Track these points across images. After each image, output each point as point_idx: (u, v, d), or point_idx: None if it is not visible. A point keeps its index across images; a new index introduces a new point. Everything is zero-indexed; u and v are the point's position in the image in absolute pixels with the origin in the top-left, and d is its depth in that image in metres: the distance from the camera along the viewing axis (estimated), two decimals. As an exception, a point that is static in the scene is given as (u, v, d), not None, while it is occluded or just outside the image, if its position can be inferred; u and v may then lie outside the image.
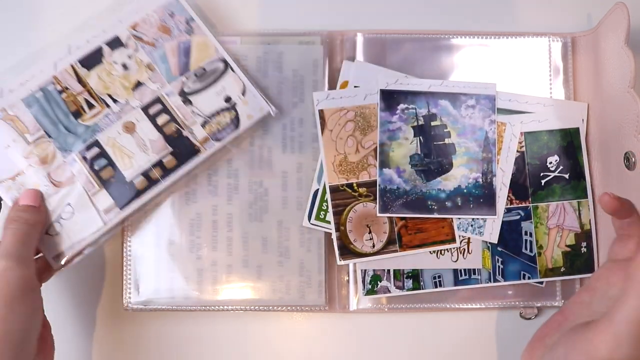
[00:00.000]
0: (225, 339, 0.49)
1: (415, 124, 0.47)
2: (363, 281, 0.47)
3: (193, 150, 0.46)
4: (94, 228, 0.44)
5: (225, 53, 0.46)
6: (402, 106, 0.47)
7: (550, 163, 0.48)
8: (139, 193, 0.45)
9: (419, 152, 0.47)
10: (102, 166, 0.45)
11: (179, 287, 0.47)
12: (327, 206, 0.47)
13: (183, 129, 0.45)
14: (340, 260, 0.47)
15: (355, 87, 0.48)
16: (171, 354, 0.49)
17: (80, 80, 0.46)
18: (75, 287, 0.49)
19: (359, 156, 0.47)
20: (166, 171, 0.45)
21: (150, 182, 0.45)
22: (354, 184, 0.47)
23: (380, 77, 0.47)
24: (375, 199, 0.47)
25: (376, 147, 0.47)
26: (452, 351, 0.50)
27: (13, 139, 0.45)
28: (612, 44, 0.45)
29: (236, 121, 0.46)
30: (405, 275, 0.47)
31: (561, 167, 0.48)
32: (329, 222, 0.47)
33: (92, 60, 0.46)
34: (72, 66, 0.46)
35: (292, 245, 0.48)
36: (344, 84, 0.48)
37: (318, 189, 0.47)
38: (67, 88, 0.45)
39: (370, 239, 0.47)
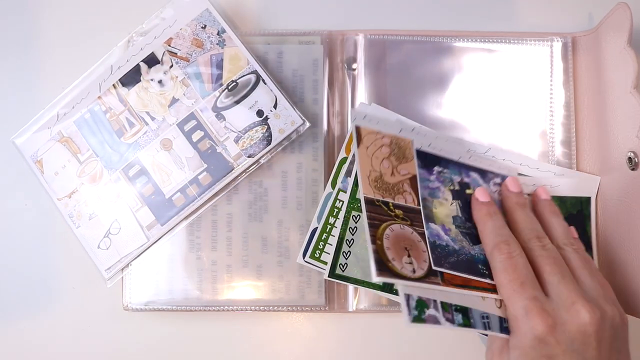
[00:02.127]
0: (225, 339, 0.49)
1: (453, 188, 0.45)
2: (408, 305, 0.39)
3: (227, 167, 0.46)
4: (138, 243, 0.46)
5: (257, 65, 0.47)
6: (437, 168, 0.45)
7: None
8: (177, 209, 0.46)
9: (460, 215, 0.44)
10: (143, 183, 0.46)
11: (179, 287, 0.47)
12: (323, 245, 0.46)
13: (217, 145, 0.46)
14: (376, 276, 0.39)
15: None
16: (171, 354, 0.49)
17: (121, 99, 0.47)
18: (75, 287, 0.49)
19: (394, 179, 0.43)
20: (201, 187, 0.46)
21: (187, 198, 0.46)
22: (390, 204, 0.43)
23: (399, 125, 0.46)
24: (413, 224, 0.42)
25: (412, 177, 0.44)
26: (453, 350, 0.49)
27: (68, 159, 0.47)
28: (614, 44, 0.45)
29: (268, 136, 0.46)
30: (453, 308, 0.41)
31: None
32: (324, 263, 0.46)
33: (131, 78, 0.47)
34: (114, 85, 0.47)
35: (292, 245, 0.48)
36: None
37: (317, 228, 0.46)
38: (110, 108, 0.47)
39: (410, 262, 0.41)
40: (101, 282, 0.46)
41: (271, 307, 0.48)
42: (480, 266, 0.43)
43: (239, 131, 0.46)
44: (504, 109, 0.49)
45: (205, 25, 0.47)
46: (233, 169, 0.46)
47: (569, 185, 0.47)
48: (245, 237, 0.48)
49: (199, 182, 0.46)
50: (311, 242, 0.47)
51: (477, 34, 0.50)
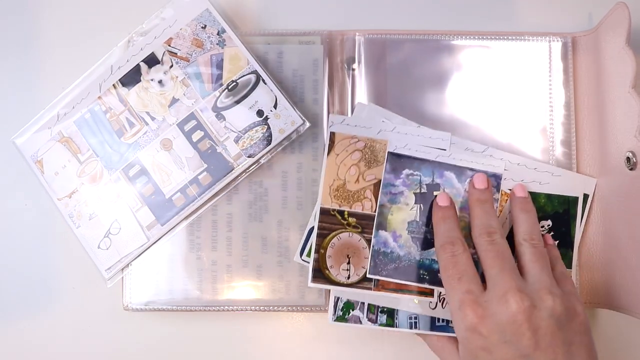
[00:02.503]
0: (225, 339, 0.49)
1: (418, 191, 0.46)
2: (335, 306, 0.46)
3: (227, 167, 0.46)
4: (138, 243, 0.46)
5: (257, 64, 0.47)
6: (407, 171, 0.46)
7: (542, 227, 0.47)
8: (177, 209, 0.46)
9: (418, 220, 0.46)
10: (143, 183, 0.46)
11: (179, 287, 0.47)
12: None
13: (217, 145, 0.46)
14: (311, 283, 0.46)
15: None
16: (171, 354, 0.49)
17: (121, 99, 0.47)
18: (75, 287, 0.49)
19: (357, 187, 0.46)
20: (201, 187, 0.46)
21: (187, 198, 0.46)
22: (345, 212, 0.46)
23: (394, 121, 0.47)
24: (363, 231, 0.46)
25: (377, 183, 0.46)
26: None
27: (68, 160, 0.47)
28: (613, 44, 0.45)
29: (268, 136, 0.46)
30: (379, 309, 0.46)
31: (552, 233, 0.47)
32: None
33: (131, 78, 0.47)
34: (114, 85, 0.47)
35: (292, 245, 0.48)
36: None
37: (314, 227, 0.47)
38: (110, 108, 0.47)
39: (347, 269, 0.46)
40: (101, 282, 0.46)
41: (271, 307, 0.48)
42: (422, 271, 0.45)
43: (239, 131, 0.46)
44: (504, 109, 0.49)
45: (205, 25, 0.47)
46: (233, 169, 0.46)
47: (559, 183, 0.47)
48: (245, 237, 0.48)
49: (199, 182, 0.46)
50: (308, 240, 0.47)
51: (477, 33, 0.50)
